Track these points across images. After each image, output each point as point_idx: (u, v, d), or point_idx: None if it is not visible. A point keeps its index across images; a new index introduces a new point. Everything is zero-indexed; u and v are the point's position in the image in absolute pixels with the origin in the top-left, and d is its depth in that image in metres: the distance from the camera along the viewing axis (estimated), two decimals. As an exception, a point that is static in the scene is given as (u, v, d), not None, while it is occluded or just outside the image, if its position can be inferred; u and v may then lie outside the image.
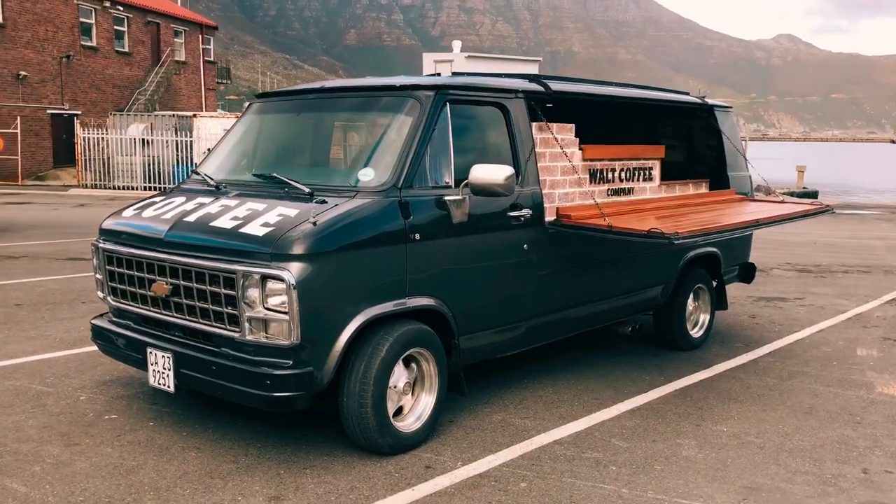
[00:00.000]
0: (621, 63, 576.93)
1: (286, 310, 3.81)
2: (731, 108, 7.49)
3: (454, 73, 5.53)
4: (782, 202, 7.24)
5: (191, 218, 4.37)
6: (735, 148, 7.15)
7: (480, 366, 5.24)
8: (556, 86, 5.45)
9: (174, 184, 23.65)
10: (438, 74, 5.89)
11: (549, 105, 5.27)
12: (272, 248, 3.87)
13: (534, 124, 5.12)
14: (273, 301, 3.84)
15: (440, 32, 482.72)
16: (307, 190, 4.28)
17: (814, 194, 29.95)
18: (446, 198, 4.42)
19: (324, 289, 3.89)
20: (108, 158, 25.66)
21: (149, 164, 25.04)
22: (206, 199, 4.56)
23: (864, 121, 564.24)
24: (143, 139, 25.08)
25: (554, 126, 5.25)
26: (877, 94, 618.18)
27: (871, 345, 6.91)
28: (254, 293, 3.87)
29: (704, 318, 6.80)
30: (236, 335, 3.98)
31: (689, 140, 7.33)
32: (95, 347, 5.11)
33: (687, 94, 7.31)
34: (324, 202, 4.13)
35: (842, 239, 14.98)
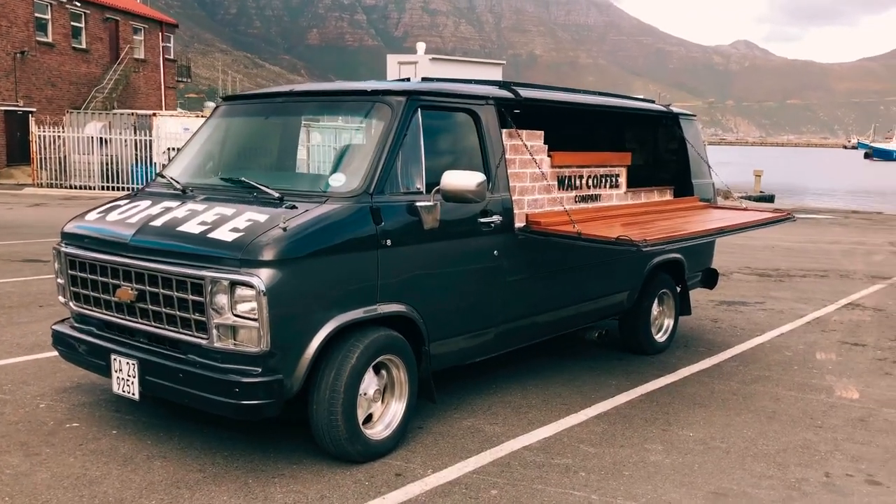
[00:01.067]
0: (582, 67, 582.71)
1: (255, 316, 3.76)
2: (695, 116, 7.60)
3: (424, 79, 5.51)
4: (745, 209, 7.36)
5: (157, 222, 4.29)
6: (699, 155, 7.25)
7: (449, 371, 5.23)
8: (525, 93, 5.47)
9: (132, 183, 23.27)
10: (408, 79, 5.87)
11: (517, 111, 5.29)
12: (241, 254, 3.81)
13: (504, 131, 5.14)
14: (242, 308, 3.79)
15: (403, 33, 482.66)
16: (276, 195, 4.23)
17: (770, 198, 30.52)
18: (418, 204, 4.41)
19: (294, 295, 3.85)
20: (65, 157, 25.12)
21: (107, 164, 24.57)
22: (173, 203, 4.49)
23: (818, 126, 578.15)
24: (101, 138, 24.60)
25: (524, 133, 5.28)
26: (830, 100, 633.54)
27: (829, 349, 7.06)
28: (222, 299, 3.82)
29: (669, 322, 6.89)
30: (204, 342, 3.92)
31: (655, 147, 7.42)
32: (54, 353, 5.00)
33: (653, 101, 7.39)
34: (294, 207, 4.09)
35: (798, 243, 15.30)
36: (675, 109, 7.21)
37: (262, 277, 3.74)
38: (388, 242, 4.24)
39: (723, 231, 5.90)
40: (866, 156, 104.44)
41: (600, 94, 6.71)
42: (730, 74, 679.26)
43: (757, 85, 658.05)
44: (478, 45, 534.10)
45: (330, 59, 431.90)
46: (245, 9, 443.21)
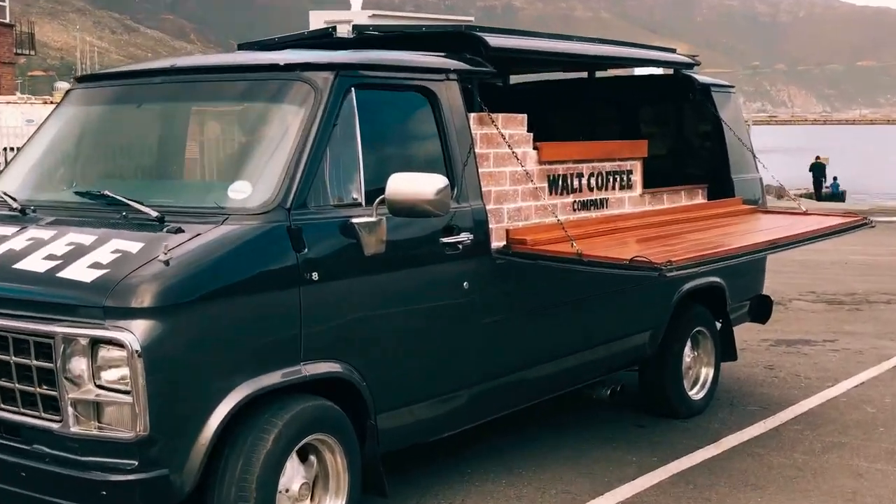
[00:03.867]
0: (578, 21, 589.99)
1: (128, 388, 3.72)
2: (733, 88, 7.70)
3: (356, 27, 5.51)
4: (805, 213, 7.44)
5: (-16, 257, 4.23)
6: (740, 141, 7.33)
7: (406, 452, 5.19)
8: (496, 41, 5.49)
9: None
10: (333, 29, 5.84)
11: (485, 65, 5.34)
12: (106, 300, 3.78)
13: (472, 116, 5.16)
14: (109, 376, 3.76)
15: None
16: (154, 213, 4.20)
17: (840, 195, 31.10)
18: (354, 220, 4.39)
19: (183, 356, 3.82)
20: None
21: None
22: (9, 230, 4.44)
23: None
24: None
25: (500, 117, 5.30)
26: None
27: (926, 402, 7.15)
28: (80, 365, 3.78)
29: (707, 372, 6.94)
30: (56, 426, 3.86)
31: (679, 132, 7.50)
32: None
33: (674, 50, 7.50)
34: (179, 230, 4.07)
35: (879, 257, 15.52)
36: (703, 78, 7.27)
37: (137, 332, 3.70)
38: (315, 276, 4.22)
39: (776, 245, 5.96)
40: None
41: (601, 41, 6.80)
42: (779, 29, 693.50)
43: (817, 42, 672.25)
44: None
45: (229, 19, 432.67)
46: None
